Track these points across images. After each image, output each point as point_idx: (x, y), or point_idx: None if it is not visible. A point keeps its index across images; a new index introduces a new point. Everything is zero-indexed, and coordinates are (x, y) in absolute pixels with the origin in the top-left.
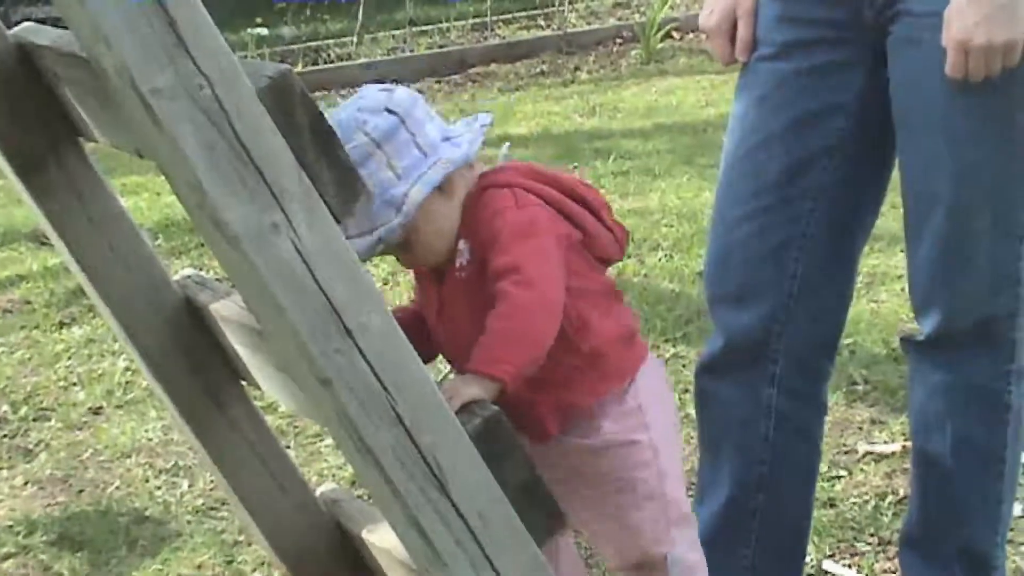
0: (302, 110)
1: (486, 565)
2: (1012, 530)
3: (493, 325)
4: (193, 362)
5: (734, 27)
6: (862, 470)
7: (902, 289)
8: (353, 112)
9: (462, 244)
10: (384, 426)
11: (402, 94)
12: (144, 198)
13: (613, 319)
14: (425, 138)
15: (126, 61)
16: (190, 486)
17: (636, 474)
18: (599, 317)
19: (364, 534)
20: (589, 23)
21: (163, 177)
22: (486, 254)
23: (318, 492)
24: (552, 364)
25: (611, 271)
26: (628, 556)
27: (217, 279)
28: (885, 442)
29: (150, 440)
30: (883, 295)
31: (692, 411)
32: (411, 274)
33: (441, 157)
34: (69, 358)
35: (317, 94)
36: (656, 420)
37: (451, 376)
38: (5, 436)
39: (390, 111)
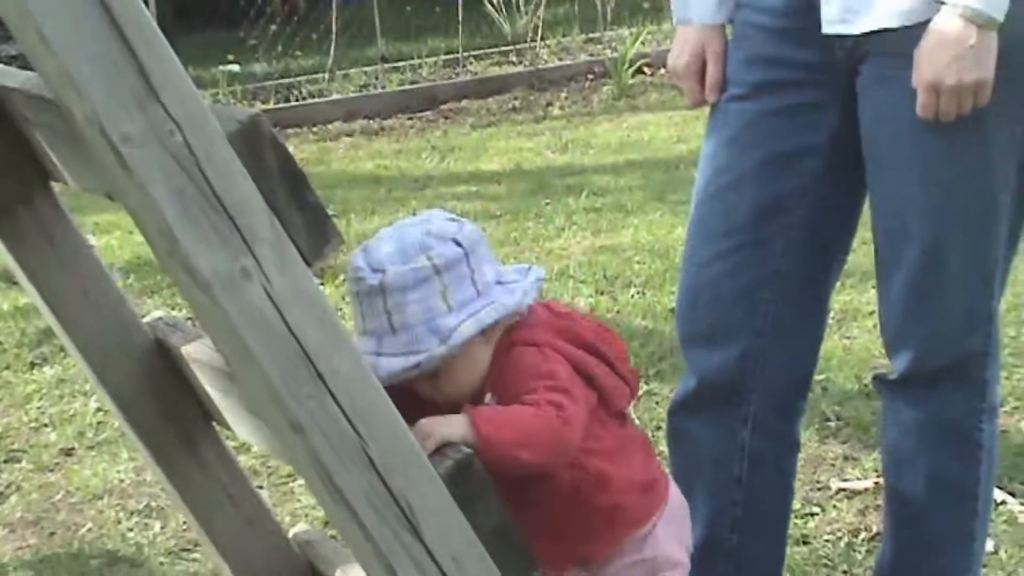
0: (272, 154)
1: None
2: (985, 567)
3: (516, 408)
4: (164, 404)
5: (703, 68)
6: (835, 507)
7: (874, 325)
8: (421, 235)
9: (489, 397)
10: (356, 470)
11: (470, 229)
12: (116, 236)
13: (630, 469)
14: (482, 277)
15: (95, 107)
16: (162, 527)
17: None
18: (616, 469)
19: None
20: (561, 59)
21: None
22: (499, 389)
23: (291, 533)
24: (570, 517)
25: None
26: None
27: (188, 320)
28: (858, 478)
29: (122, 481)
30: (855, 331)
31: (665, 449)
32: None
33: (495, 300)
34: (40, 399)
35: (289, 131)
36: (671, 565)
37: None
38: None
39: (457, 243)
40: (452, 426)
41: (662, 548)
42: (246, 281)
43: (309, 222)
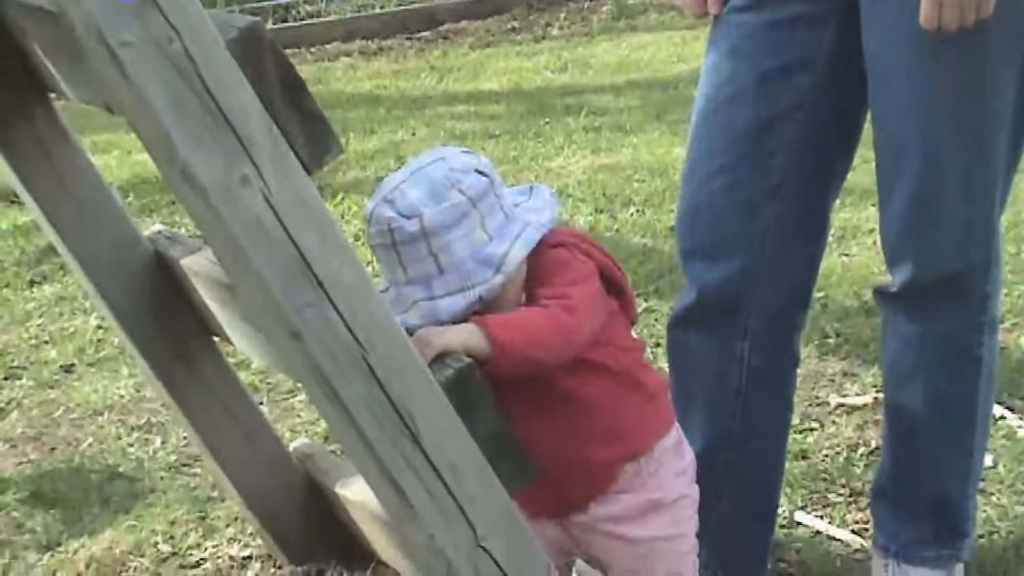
0: (271, 61)
1: (459, 516)
2: (983, 481)
3: (523, 312)
4: (163, 318)
5: None
6: (834, 422)
7: (874, 243)
8: (446, 171)
9: (523, 297)
10: (356, 378)
11: (484, 158)
12: (114, 156)
13: (656, 372)
14: (506, 202)
15: (94, 14)
16: (163, 443)
17: (684, 528)
18: (644, 368)
19: (337, 488)
20: None
21: (133, 134)
22: (535, 290)
23: (291, 447)
24: (623, 405)
25: (583, 227)
26: None
27: (189, 236)
28: (857, 394)
29: (122, 397)
30: (855, 249)
31: (665, 365)
32: None
33: (528, 220)
34: (40, 316)
35: (287, 51)
36: (695, 474)
37: None
38: None
39: (481, 173)
40: (459, 334)
41: (692, 453)
42: (245, 188)
43: (309, 130)
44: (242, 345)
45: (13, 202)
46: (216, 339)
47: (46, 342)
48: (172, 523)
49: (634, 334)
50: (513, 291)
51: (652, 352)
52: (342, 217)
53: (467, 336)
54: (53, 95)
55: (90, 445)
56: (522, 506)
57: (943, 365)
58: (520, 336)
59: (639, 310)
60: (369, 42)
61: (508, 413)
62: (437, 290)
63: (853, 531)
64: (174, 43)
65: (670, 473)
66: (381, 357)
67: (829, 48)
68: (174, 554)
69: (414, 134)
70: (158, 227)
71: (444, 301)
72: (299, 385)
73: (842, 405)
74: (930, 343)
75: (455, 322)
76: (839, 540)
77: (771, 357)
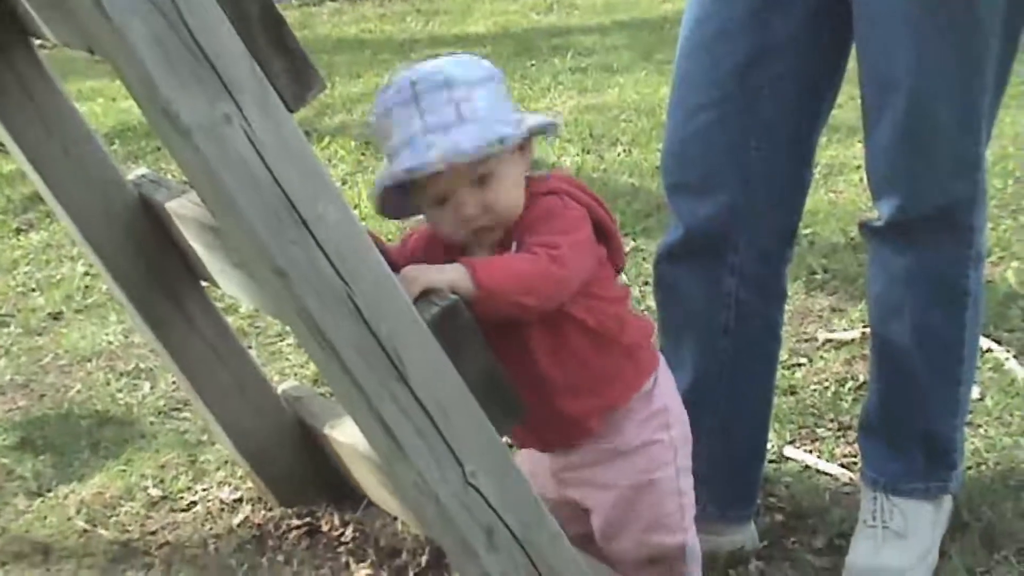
0: (253, 0)
1: (448, 455)
2: (971, 413)
3: (510, 258)
4: (150, 262)
5: None
6: (822, 357)
7: (860, 179)
8: (464, 57)
9: (515, 246)
10: (342, 317)
11: None
12: (99, 103)
13: (640, 319)
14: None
15: None
16: (152, 388)
17: (658, 473)
18: (631, 317)
19: (327, 430)
20: None
21: (118, 82)
22: (525, 237)
23: (280, 390)
24: (600, 361)
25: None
26: (645, 552)
27: (175, 181)
28: (844, 329)
29: (111, 344)
30: (841, 185)
31: (652, 303)
32: (370, 173)
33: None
34: (27, 264)
35: None
36: (676, 418)
37: None
38: None
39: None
40: (445, 273)
41: (668, 398)
42: (227, 127)
43: (291, 68)
44: (229, 288)
45: None
46: (204, 283)
47: (33, 289)
48: (162, 467)
49: (623, 277)
50: (514, 187)
51: (640, 291)
52: (329, 161)
53: (453, 276)
54: (36, 41)
55: (79, 391)
56: (512, 438)
57: (930, 298)
58: (506, 280)
59: (627, 249)
60: None
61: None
62: (454, 136)
63: (842, 465)
64: None
65: (635, 420)
66: (367, 295)
67: None
68: (164, 498)
69: None
70: (142, 171)
71: (464, 135)
72: (287, 329)
73: (830, 340)
74: (917, 276)
75: (472, 163)
76: (828, 474)
77: (759, 292)
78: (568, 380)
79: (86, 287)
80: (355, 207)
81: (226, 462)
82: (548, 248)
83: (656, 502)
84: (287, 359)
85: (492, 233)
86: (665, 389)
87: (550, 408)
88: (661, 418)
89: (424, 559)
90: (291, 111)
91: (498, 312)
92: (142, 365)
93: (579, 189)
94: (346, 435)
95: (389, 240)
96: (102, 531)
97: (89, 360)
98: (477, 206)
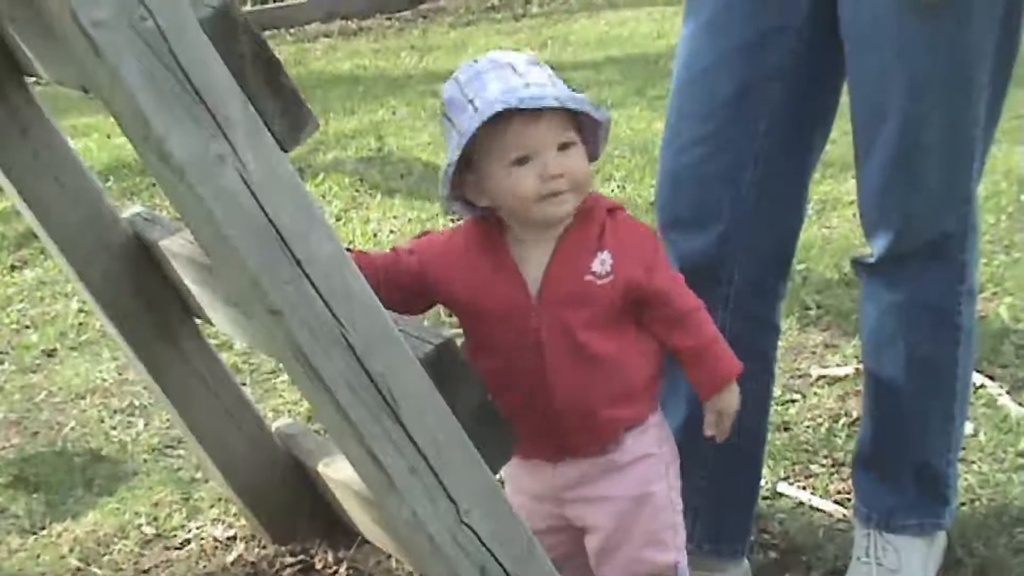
0: (245, 39)
1: (441, 492)
2: (964, 449)
3: (713, 334)
4: (144, 299)
5: None
6: (816, 393)
7: (853, 215)
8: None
9: (605, 255)
10: (335, 354)
11: None
12: (94, 139)
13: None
14: None
15: None
16: (146, 425)
17: (654, 486)
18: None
19: (320, 467)
20: None
21: (113, 119)
22: (636, 273)
23: (274, 427)
24: (643, 373)
25: None
26: (637, 568)
27: (170, 219)
28: (838, 365)
29: (105, 381)
30: (835, 221)
31: None
32: (365, 209)
33: None
34: (21, 301)
35: (267, 32)
36: (668, 436)
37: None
38: None
39: None
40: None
41: (661, 417)
42: (220, 166)
43: (284, 107)
44: (223, 325)
45: None
46: (198, 320)
47: (27, 326)
48: (156, 505)
49: None
50: (586, 163)
51: None
52: (323, 197)
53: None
54: (31, 79)
55: (73, 429)
56: (520, 447)
57: (922, 333)
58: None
59: None
60: (349, 22)
61: (539, 365)
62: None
63: (836, 501)
64: (147, 21)
65: (634, 433)
66: (360, 334)
67: (809, 13)
68: (158, 536)
69: (394, 114)
70: (136, 208)
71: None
72: (282, 366)
73: (823, 376)
74: (910, 311)
75: (563, 126)
76: (821, 511)
77: (752, 325)
78: (612, 389)
79: (80, 324)
80: (350, 243)
81: (220, 499)
82: (702, 313)
83: (652, 515)
84: (281, 396)
85: (563, 204)
86: (659, 409)
87: (583, 414)
88: (655, 433)
89: None
90: (285, 151)
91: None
92: (136, 402)
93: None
94: (340, 472)
95: None
96: (95, 569)
97: (83, 397)
98: (562, 167)
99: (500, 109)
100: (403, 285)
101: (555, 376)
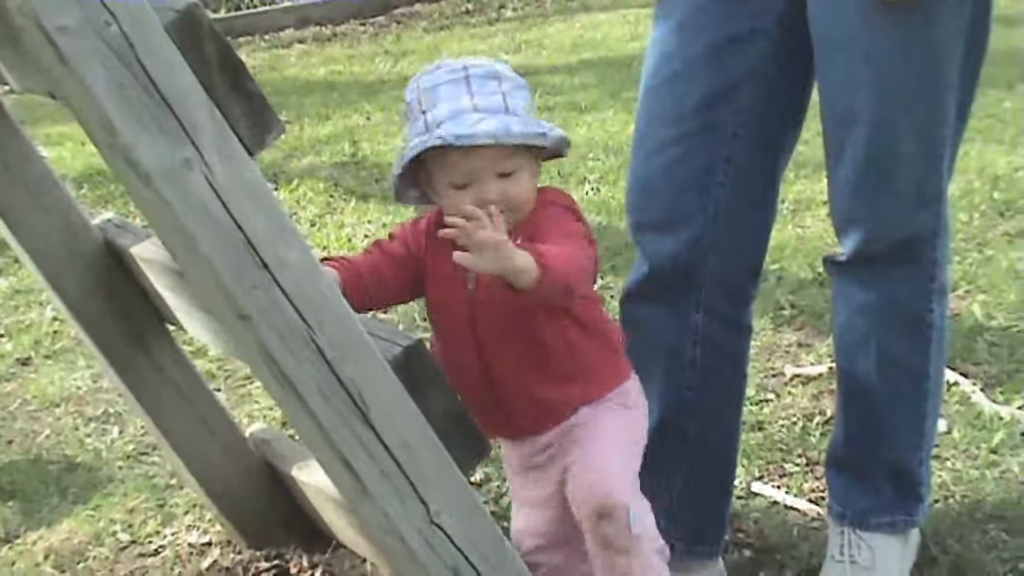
0: (211, 44)
1: (412, 495)
2: (937, 446)
3: (566, 248)
4: (116, 306)
5: None
6: (790, 393)
7: (827, 215)
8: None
9: (519, 240)
10: (305, 359)
11: None
12: (67, 148)
13: (614, 322)
14: None
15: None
16: (120, 432)
17: (628, 416)
18: (608, 321)
19: (294, 472)
20: None
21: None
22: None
23: (248, 433)
24: (589, 354)
25: None
26: (596, 492)
27: (142, 226)
28: (812, 364)
29: (79, 389)
30: (808, 221)
31: None
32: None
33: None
34: None
35: (241, 39)
36: (641, 416)
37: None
38: None
39: None
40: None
41: (639, 401)
42: (188, 172)
43: (250, 111)
44: (195, 331)
45: None
46: (171, 327)
47: (2, 335)
48: (131, 512)
49: None
50: (530, 185)
51: None
52: (298, 203)
53: (523, 263)
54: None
55: (47, 437)
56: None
57: (894, 332)
58: (563, 263)
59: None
60: (323, 28)
61: (483, 350)
62: (505, 120)
63: (810, 500)
64: (112, 27)
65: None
66: (329, 337)
67: (779, 17)
68: (133, 542)
69: (369, 119)
70: (107, 215)
71: (512, 122)
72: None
73: (797, 376)
74: (881, 310)
75: (504, 154)
76: (796, 509)
77: (724, 326)
78: (559, 368)
79: (55, 332)
80: (324, 249)
81: (195, 506)
82: (588, 243)
83: (618, 433)
84: (256, 402)
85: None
86: (635, 393)
87: (535, 393)
88: (617, 409)
89: None
90: (251, 154)
91: (552, 293)
92: (111, 410)
93: (574, 204)
94: (314, 477)
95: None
96: None
97: (58, 405)
98: (498, 194)
99: (437, 144)
100: (394, 275)
101: (493, 358)
